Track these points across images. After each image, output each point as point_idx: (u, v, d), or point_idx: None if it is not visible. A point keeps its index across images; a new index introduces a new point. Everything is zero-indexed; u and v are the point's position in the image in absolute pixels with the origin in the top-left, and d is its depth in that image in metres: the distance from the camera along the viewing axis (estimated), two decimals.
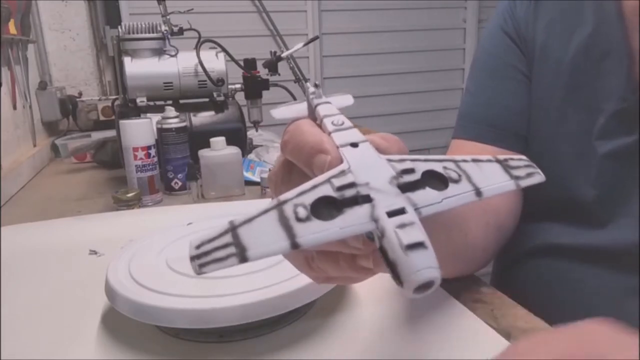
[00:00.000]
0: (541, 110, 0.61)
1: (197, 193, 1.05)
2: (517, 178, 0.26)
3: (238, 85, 1.34)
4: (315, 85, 0.35)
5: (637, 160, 0.54)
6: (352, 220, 0.22)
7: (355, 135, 0.28)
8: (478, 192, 0.25)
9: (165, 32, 1.24)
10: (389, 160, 0.26)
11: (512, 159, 0.28)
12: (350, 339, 0.50)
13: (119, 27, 1.24)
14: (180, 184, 1.09)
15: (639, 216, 0.54)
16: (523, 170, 0.27)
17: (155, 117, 1.10)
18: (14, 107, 1.40)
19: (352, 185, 0.24)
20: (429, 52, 2.76)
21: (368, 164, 0.25)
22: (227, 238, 0.22)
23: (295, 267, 0.34)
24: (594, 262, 0.57)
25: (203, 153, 1.05)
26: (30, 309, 0.59)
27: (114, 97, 1.79)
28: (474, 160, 0.27)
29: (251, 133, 1.41)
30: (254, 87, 1.33)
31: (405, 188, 0.24)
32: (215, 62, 1.25)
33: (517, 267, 0.66)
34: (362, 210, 0.23)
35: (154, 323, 0.50)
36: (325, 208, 0.23)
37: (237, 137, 1.17)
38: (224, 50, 1.28)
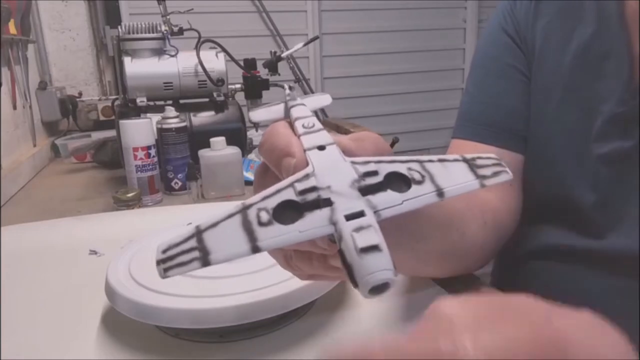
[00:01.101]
0: (540, 110, 0.61)
1: (197, 193, 1.05)
2: (482, 177, 0.26)
3: (238, 85, 1.34)
4: (290, 88, 0.36)
5: (636, 165, 0.54)
6: (312, 224, 0.23)
7: (323, 137, 0.29)
8: (440, 193, 0.25)
9: (165, 32, 1.24)
10: (354, 163, 0.26)
11: (480, 157, 0.28)
12: (350, 339, 0.50)
13: (119, 27, 1.24)
14: (180, 184, 1.09)
15: (639, 220, 0.54)
16: (490, 169, 0.27)
17: (155, 117, 1.10)
18: (14, 107, 1.40)
19: (313, 189, 0.24)
20: (429, 52, 2.76)
21: (331, 167, 0.26)
22: (192, 242, 0.22)
23: (278, 264, 0.35)
24: (593, 266, 0.57)
25: (203, 153, 1.05)
26: (31, 309, 0.59)
27: (114, 97, 1.79)
28: (440, 160, 0.27)
29: (251, 133, 1.41)
30: (254, 87, 1.33)
31: (367, 191, 0.24)
32: (215, 62, 1.25)
33: (517, 269, 0.66)
34: (322, 213, 0.23)
35: (154, 323, 0.50)
36: (288, 212, 0.23)
37: (237, 137, 1.17)
38: (224, 50, 1.28)
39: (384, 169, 0.25)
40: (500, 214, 0.60)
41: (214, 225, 0.23)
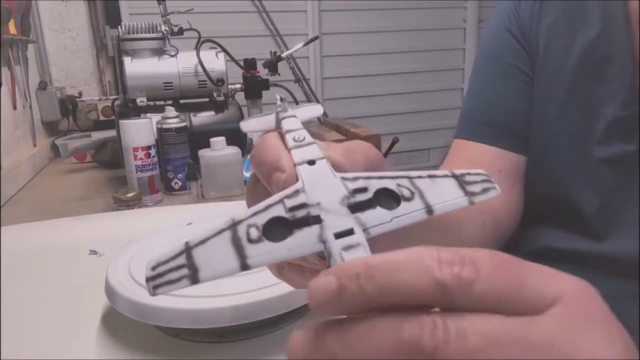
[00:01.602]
0: (542, 111, 0.61)
1: (197, 193, 1.05)
2: (471, 194, 0.26)
3: (238, 85, 1.34)
4: (281, 99, 0.36)
5: (637, 169, 0.54)
6: (301, 242, 0.23)
7: (313, 152, 0.28)
8: (429, 210, 0.25)
9: (165, 32, 1.24)
10: (343, 179, 0.26)
11: (469, 173, 0.28)
12: None
13: (119, 27, 1.24)
14: (180, 184, 1.09)
15: (639, 224, 0.54)
16: (479, 185, 0.27)
17: (155, 117, 1.10)
18: (14, 107, 1.40)
19: (303, 205, 0.24)
20: (429, 52, 2.76)
21: (321, 184, 0.26)
22: (182, 259, 0.22)
23: (271, 272, 0.35)
24: (593, 268, 0.57)
25: (203, 153, 1.05)
26: (31, 309, 0.59)
27: (114, 97, 1.79)
28: (430, 177, 0.27)
29: (251, 133, 1.41)
30: (254, 87, 1.33)
31: (356, 208, 0.24)
32: (215, 62, 1.25)
33: None
34: (312, 231, 0.23)
35: (154, 323, 0.50)
36: (277, 228, 0.23)
37: (237, 137, 1.17)
38: (224, 50, 1.28)
39: (374, 186, 0.26)
40: (500, 214, 0.60)
41: (203, 242, 0.23)
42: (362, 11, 2.59)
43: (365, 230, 0.24)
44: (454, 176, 0.27)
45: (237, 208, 0.92)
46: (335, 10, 2.54)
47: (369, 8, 2.59)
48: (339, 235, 0.23)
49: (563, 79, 0.58)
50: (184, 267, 0.22)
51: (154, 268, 0.22)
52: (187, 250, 0.23)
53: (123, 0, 2.11)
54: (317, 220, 0.24)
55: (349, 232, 0.23)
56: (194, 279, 0.22)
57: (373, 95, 2.69)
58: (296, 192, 0.25)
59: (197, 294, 0.48)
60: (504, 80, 0.64)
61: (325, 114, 2.07)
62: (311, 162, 0.27)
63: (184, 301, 0.47)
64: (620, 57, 0.54)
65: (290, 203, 0.24)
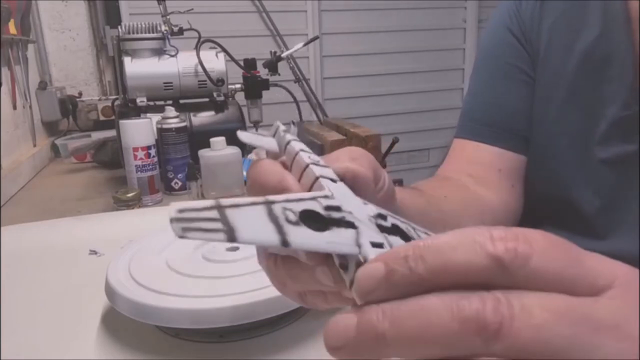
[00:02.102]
0: (543, 111, 0.61)
1: (197, 193, 1.05)
2: None
3: (238, 85, 1.34)
4: (293, 123, 0.36)
5: (637, 169, 0.54)
6: (340, 239, 0.22)
7: (331, 174, 0.29)
8: None
9: (165, 32, 1.24)
10: (364, 203, 0.26)
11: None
12: None
13: (119, 27, 1.24)
14: (180, 184, 1.09)
15: (639, 225, 0.54)
16: None
17: (155, 117, 1.10)
18: (14, 107, 1.40)
19: (338, 209, 0.24)
20: (429, 52, 2.76)
21: (347, 198, 0.26)
22: (214, 213, 0.20)
23: (288, 297, 0.33)
24: None
25: (203, 153, 1.05)
26: (31, 309, 0.59)
27: (114, 97, 1.79)
28: (426, 233, 0.27)
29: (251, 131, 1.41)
30: (254, 87, 1.33)
31: (382, 229, 0.24)
32: (215, 62, 1.25)
33: None
34: (348, 233, 0.23)
35: (154, 323, 0.50)
36: (312, 222, 0.23)
37: (237, 137, 1.17)
38: (224, 50, 1.28)
39: (390, 219, 0.26)
40: (499, 214, 0.60)
41: (237, 206, 0.21)
42: (362, 11, 2.59)
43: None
44: None
45: None
46: (335, 10, 2.54)
47: (369, 8, 2.59)
48: (374, 246, 0.22)
49: (564, 79, 0.58)
50: (218, 221, 0.20)
51: (181, 211, 0.20)
52: (220, 207, 0.21)
53: (123, 0, 2.11)
54: (351, 225, 0.23)
55: (381, 245, 0.23)
56: (231, 236, 0.20)
57: (373, 95, 2.69)
58: (326, 197, 0.25)
59: (196, 294, 0.48)
60: (504, 80, 0.64)
61: (325, 114, 2.07)
62: (333, 180, 0.28)
63: (183, 301, 0.47)
64: (620, 57, 0.54)
65: (326, 202, 0.24)
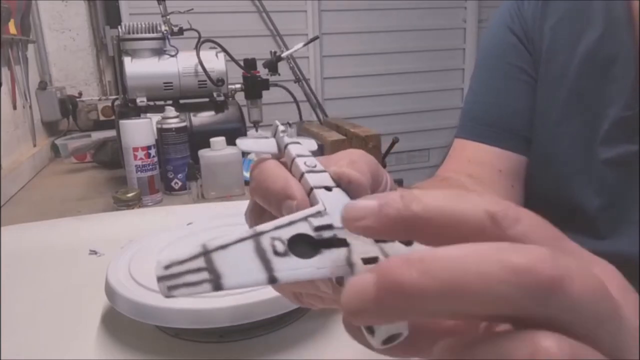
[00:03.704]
0: (545, 111, 0.61)
1: (197, 193, 1.05)
2: None
3: (238, 85, 1.34)
4: (289, 124, 0.35)
5: (638, 169, 0.54)
6: (329, 262, 0.22)
7: (327, 179, 0.28)
8: None
9: (165, 32, 1.24)
10: None
11: None
12: (350, 339, 0.49)
13: (119, 27, 1.24)
14: (180, 184, 1.09)
15: (639, 225, 0.54)
16: None
17: (155, 117, 1.10)
18: (14, 107, 1.40)
19: (329, 227, 0.24)
20: (429, 52, 2.76)
21: (342, 209, 0.26)
22: (200, 262, 0.20)
23: (284, 296, 0.33)
24: None
25: (203, 153, 1.05)
26: (31, 309, 0.59)
27: (114, 97, 1.79)
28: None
29: (251, 133, 1.41)
30: (254, 87, 1.33)
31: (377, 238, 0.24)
32: (215, 62, 1.25)
33: None
34: (339, 253, 0.23)
35: (154, 323, 0.50)
36: (302, 246, 0.22)
37: (237, 137, 1.17)
38: (224, 50, 1.28)
39: None
40: None
41: (224, 247, 0.21)
42: (362, 11, 2.59)
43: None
44: None
45: (238, 208, 0.92)
46: (335, 10, 2.54)
47: (369, 8, 2.59)
48: (366, 262, 0.22)
49: (567, 80, 0.58)
50: (204, 270, 0.20)
51: (167, 267, 0.20)
52: (206, 253, 0.21)
53: (123, 0, 2.11)
54: (343, 243, 0.23)
55: (375, 259, 0.22)
56: (217, 285, 0.20)
57: (373, 95, 2.69)
58: (319, 213, 0.24)
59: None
60: (505, 80, 0.64)
61: (325, 114, 2.07)
62: (328, 189, 0.27)
63: (183, 301, 0.47)
64: (623, 57, 0.54)
65: (316, 222, 0.24)
